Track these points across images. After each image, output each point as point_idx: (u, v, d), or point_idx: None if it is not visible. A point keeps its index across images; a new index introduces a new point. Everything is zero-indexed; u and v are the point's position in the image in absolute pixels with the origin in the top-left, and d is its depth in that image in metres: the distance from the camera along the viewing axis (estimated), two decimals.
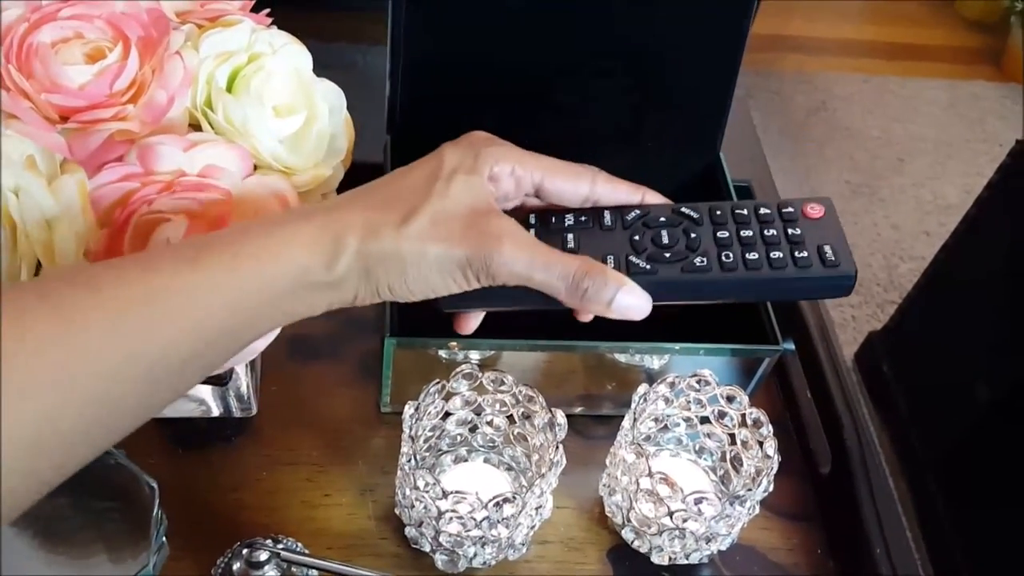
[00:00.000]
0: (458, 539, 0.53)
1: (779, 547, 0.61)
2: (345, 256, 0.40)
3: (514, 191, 0.46)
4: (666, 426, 0.61)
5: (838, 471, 0.65)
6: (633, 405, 0.56)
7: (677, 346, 0.61)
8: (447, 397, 0.57)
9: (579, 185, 0.47)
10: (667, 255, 0.45)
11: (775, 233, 0.46)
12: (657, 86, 0.67)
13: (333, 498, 0.59)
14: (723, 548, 0.57)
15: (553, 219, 0.47)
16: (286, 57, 0.52)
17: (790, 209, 0.46)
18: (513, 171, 0.45)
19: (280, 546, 0.53)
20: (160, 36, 0.47)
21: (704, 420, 0.60)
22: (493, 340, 0.59)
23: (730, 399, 0.58)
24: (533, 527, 0.56)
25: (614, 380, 0.66)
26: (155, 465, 0.56)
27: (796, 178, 2.03)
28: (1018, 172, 1.23)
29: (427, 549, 0.55)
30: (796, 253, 0.45)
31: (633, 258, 0.45)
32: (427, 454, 0.59)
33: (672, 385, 0.58)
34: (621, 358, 0.64)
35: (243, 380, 0.59)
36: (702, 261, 0.45)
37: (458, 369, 0.56)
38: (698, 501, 0.53)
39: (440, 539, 0.54)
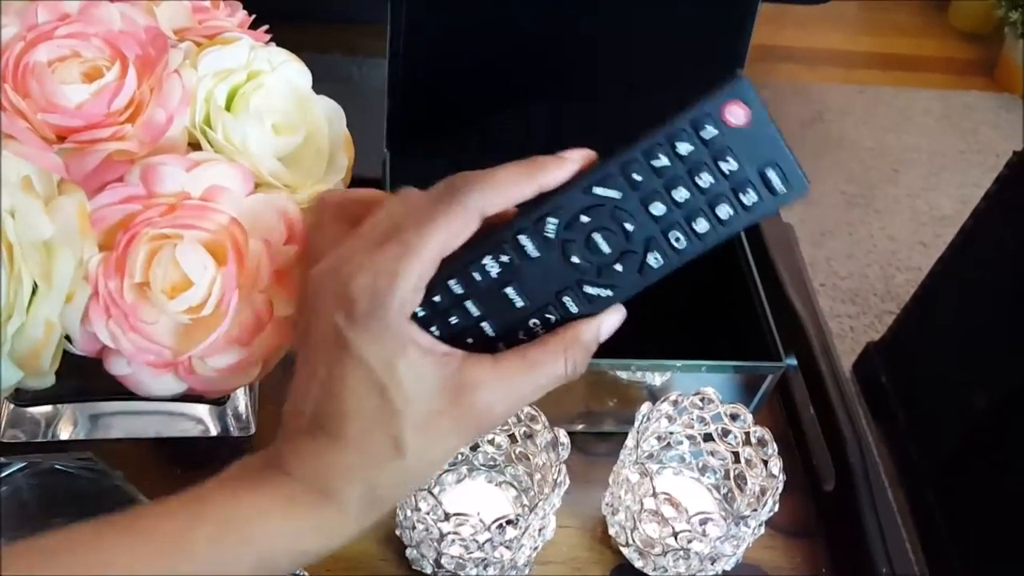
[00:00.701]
0: (460, 561, 0.52)
1: (783, 565, 0.61)
2: (350, 521, 0.38)
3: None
4: (669, 444, 0.61)
5: (841, 488, 0.64)
6: (636, 424, 0.56)
7: (679, 363, 0.60)
8: None
9: (469, 227, 0.37)
10: (618, 268, 0.39)
11: (711, 180, 0.38)
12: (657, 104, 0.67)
13: None
14: (728, 568, 0.57)
15: (475, 275, 0.39)
16: (285, 74, 0.52)
17: (711, 128, 0.37)
18: (420, 269, 0.37)
19: None
20: (158, 54, 0.46)
21: (708, 438, 0.60)
22: None
23: (733, 417, 0.58)
24: (536, 548, 0.55)
25: (615, 397, 0.65)
26: (153, 486, 0.55)
27: None
28: (1015, 184, 1.23)
29: (428, 571, 0.55)
30: (743, 197, 0.38)
31: (588, 288, 0.39)
32: None
33: (675, 403, 0.58)
34: (623, 375, 0.64)
35: (241, 399, 0.59)
36: (656, 260, 0.39)
37: None
38: (703, 522, 0.52)
39: (442, 561, 0.53)
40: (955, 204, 2.04)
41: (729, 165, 0.37)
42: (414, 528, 0.53)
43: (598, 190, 0.38)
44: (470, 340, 0.39)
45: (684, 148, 0.37)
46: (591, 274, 0.39)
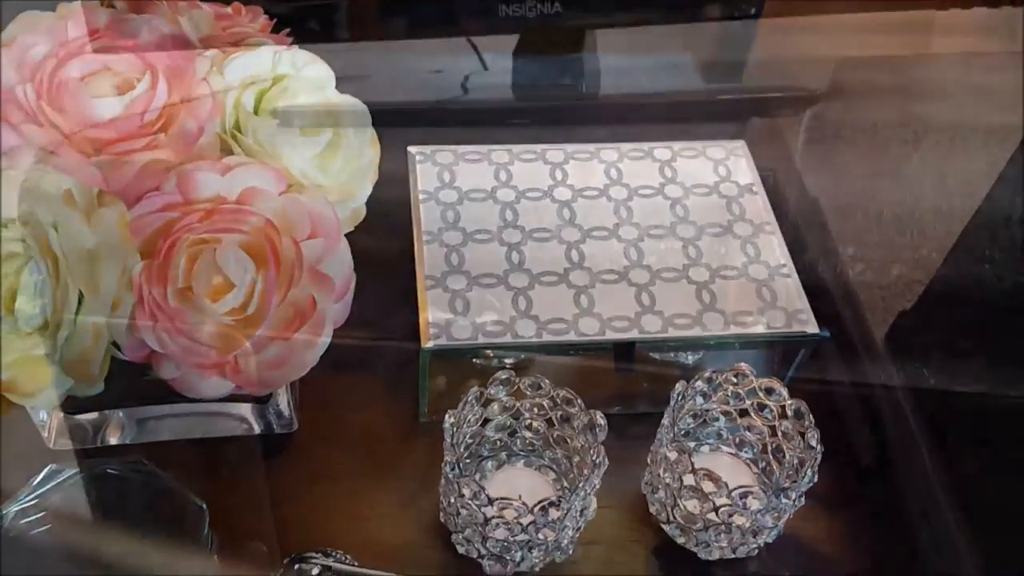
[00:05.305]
0: (505, 544, 0.53)
1: (824, 537, 0.61)
2: None
3: None
4: (705, 421, 0.61)
5: (879, 458, 0.64)
6: (672, 402, 0.56)
7: (712, 340, 0.61)
8: (485, 404, 0.57)
9: None
10: None
11: None
12: None
13: (377, 509, 0.59)
14: (769, 541, 0.57)
15: None
16: (309, 76, 0.53)
17: None
18: None
19: (331, 559, 0.53)
20: (186, 64, 0.48)
21: (743, 413, 0.60)
22: (528, 342, 0.60)
23: (769, 391, 0.58)
24: (579, 529, 0.56)
25: (649, 377, 0.66)
26: (201, 485, 0.56)
27: (815, 163, 2.02)
28: None
29: (474, 555, 0.56)
30: None
31: None
32: (468, 460, 0.60)
33: (710, 380, 0.58)
34: (655, 355, 0.64)
35: (283, 397, 0.60)
36: None
37: (495, 375, 0.56)
38: (743, 496, 0.53)
39: (487, 545, 0.54)
40: (982, 169, 2.02)
41: None
42: (458, 514, 0.54)
43: None
44: None
45: None
46: None
